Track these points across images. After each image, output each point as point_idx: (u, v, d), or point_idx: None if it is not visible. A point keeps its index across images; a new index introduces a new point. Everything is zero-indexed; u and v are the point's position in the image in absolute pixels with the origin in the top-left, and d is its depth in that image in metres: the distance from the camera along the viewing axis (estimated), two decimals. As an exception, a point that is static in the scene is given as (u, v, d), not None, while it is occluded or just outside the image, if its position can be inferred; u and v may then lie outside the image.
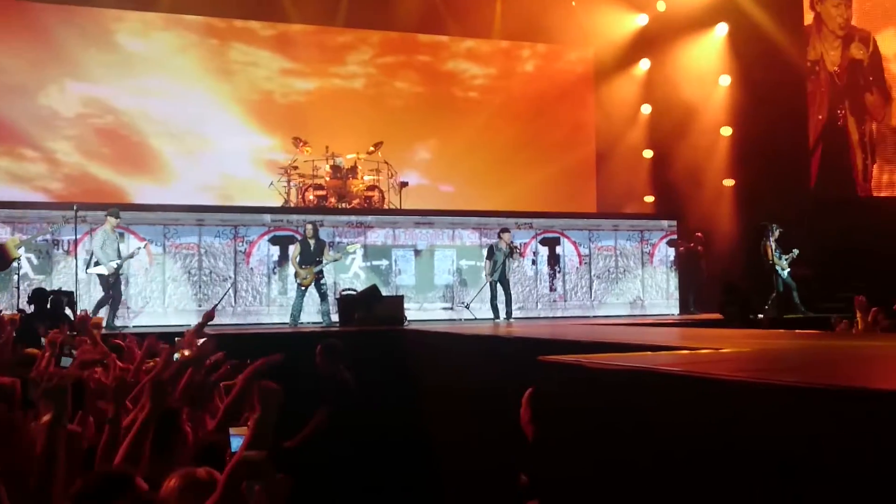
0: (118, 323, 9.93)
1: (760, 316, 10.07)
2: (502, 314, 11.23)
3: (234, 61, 14.54)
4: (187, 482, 2.34)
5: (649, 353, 3.68)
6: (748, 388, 2.32)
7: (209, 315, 4.86)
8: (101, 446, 2.73)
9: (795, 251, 11.38)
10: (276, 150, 14.49)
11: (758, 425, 2.15)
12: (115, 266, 9.63)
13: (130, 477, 2.23)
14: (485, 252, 11.74)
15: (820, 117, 13.33)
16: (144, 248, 10.37)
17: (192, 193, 13.52)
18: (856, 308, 7.44)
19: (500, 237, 11.39)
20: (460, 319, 11.90)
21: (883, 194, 13.33)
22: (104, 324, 8.22)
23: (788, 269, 11.39)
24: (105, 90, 13.97)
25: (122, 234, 11.02)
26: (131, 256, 10.06)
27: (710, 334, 5.59)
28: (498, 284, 11.29)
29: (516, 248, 11.67)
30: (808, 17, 13.38)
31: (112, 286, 9.74)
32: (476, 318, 11.64)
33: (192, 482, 2.34)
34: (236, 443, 3.77)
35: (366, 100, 14.85)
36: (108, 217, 9.76)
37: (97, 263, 9.66)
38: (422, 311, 11.90)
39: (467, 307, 11.81)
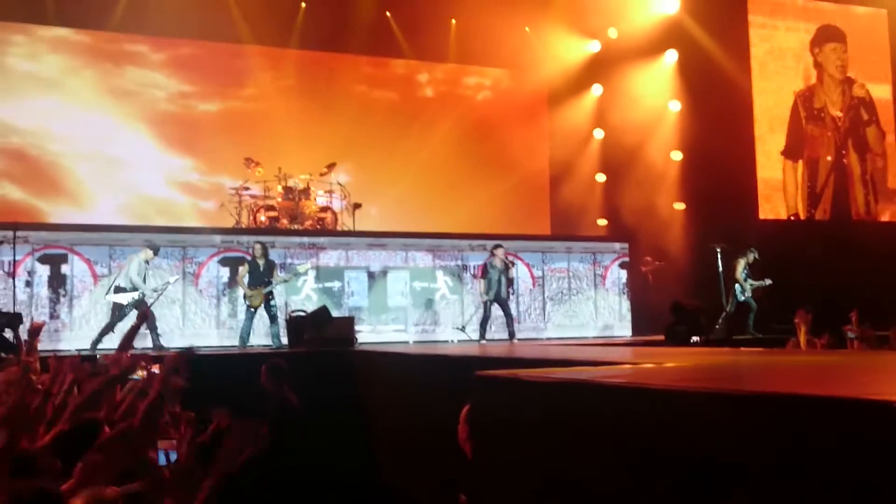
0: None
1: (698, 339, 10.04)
2: (490, 334, 11.10)
3: (131, 82, 14.16)
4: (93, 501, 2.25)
5: (590, 367, 3.66)
6: (679, 396, 2.31)
7: (144, 314, 4.70)
8: None
9: (768, 281, 11.48)
10: (190, 171, 14.29)
11: (688, 432, 2.14)
12: (136, 297, 9.56)
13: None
14: (441, 274, 11.63)
15: (829, 158, 14.58)
16: (173, 282, 10.30)
17: (109, 214, 13.14)
18: (798, 324, 7.59)
19: (493, 254, 11.11)
20: (410, 342, 11.82)
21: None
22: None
23: (750, 294, 11.52)
24: (2, 111, 13.48)
25: (65, 256, 10.81)
26: (157, 291, 9.91)
27: (656, 352, 5.61)
28: (494, 304, 11.05)
29: (512, 263, 11.44)
30: (812, 76, 14.72)
31: (143, 313, 9.60)
32: (471, 340, 11.42)
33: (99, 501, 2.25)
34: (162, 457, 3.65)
35: (295, 120, 14.32)
36: (146, 248, 9.87)
37: (119, 290, 9.65)
38: (374, 333, 11.79)
39: (462, 329, 11.62)
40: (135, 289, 9.59)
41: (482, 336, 11.17)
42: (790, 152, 14.53)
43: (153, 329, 9.65)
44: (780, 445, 1.85)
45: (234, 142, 13.82)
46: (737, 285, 11.46)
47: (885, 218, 14.90)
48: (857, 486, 1.65)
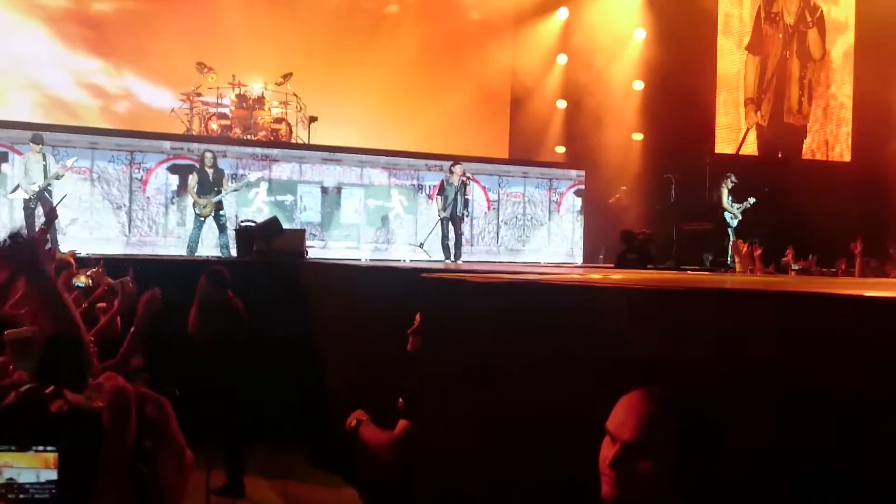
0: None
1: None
2: (452, 254, 10.93)
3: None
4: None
5: (538, 275, 3.65)
6: (624, 293, 2.31)
7: (51, 215, 4.51)
8: None
9: (751, 199, 11.44)
10: (99, 73, 13.48)
11: (632, 327, 2.13)
12: (36, 189, 9.38)
13: None
14: (396, 193, 11.47)
15: (774, 57, 15.59)
16: (72, 165, 9.86)
17: (21, 115, 12.13)
18: (733, 252, 7.79)
19: (451, 171, 10.79)
20: (362, 259, 11.75)
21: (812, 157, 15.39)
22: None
23: (739, 218, 11.54)
24: None
25: (5, 154, 10.40)
26: (57, 177, 9.57)
27: (605, 271, 5.64)
28: (449, 222, 10.84)
29: (469, 179, 11.17)
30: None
31: (45, 208, 9.39)
32: (431, 259, 11.25)
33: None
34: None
35: (246, 25, 13.20)
36: (31, 143, 9.56)
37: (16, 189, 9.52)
38: (326, 250, 11.69)
39: (421, 246, 11.49)
40: (25, 186, 9.43)
41: (448, 255, 10.96)
42: (752, 48, 15.40)
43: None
44: (720, 338, 1.85)
45: (149, 43, 12.95)
46: (726, 214, 11.46)
47: (810, 122, 15.71)
48: (796, 374, 1.65)
